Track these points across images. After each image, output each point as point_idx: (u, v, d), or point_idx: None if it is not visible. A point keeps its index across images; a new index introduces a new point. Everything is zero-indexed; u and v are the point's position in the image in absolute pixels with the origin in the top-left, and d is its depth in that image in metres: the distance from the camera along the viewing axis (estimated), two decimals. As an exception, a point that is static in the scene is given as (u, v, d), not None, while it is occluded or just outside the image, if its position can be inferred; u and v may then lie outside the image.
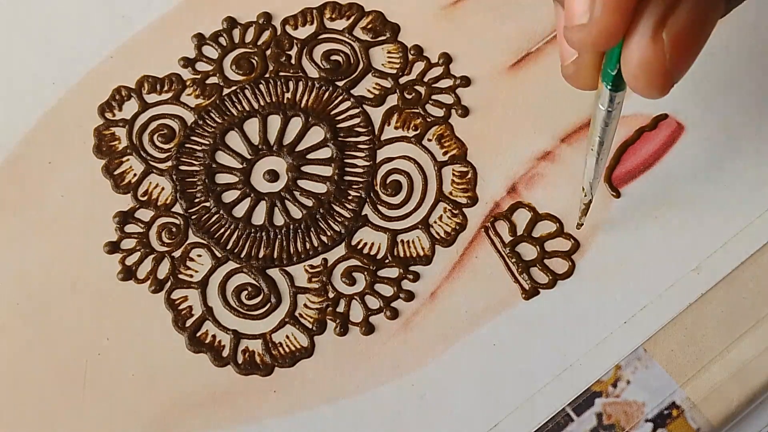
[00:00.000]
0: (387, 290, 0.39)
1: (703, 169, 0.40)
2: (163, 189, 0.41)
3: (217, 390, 0.38)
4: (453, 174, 0.41)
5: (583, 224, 0.39)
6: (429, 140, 0.41)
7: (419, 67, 0.42)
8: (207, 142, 0.41)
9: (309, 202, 0.41)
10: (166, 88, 0.42)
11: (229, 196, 0.41)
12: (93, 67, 0.43)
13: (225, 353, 0.38)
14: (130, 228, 0.40)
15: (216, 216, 0.40)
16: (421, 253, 0.40)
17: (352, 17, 0.43)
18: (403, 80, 0.42)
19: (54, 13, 0.44)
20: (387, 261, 0.40)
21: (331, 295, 0.39)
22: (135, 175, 0.41)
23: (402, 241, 0.40)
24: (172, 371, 0.38)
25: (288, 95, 0.42)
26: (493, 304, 0.39)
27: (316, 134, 0.42)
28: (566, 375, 0.37)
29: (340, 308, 0.39)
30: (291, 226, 0.40)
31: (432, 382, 0.38)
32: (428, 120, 0.42)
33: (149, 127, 0.42)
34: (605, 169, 0.40)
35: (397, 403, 0.37)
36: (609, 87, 0.32)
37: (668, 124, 0.41)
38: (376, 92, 0.42)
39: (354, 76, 0.42)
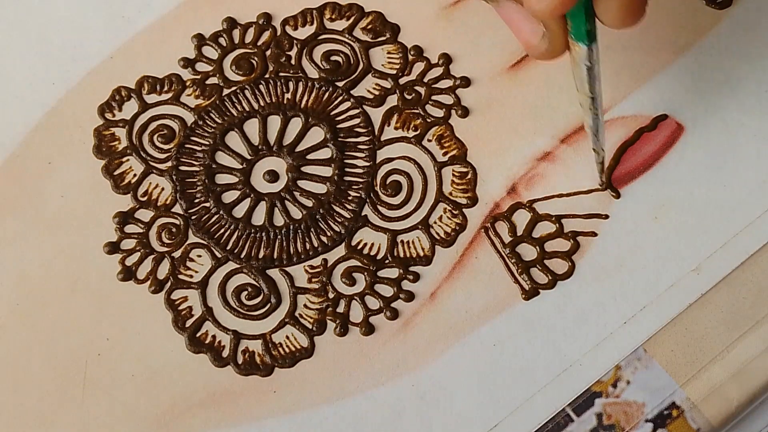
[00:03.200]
0: (387, 290, 0.39)
1: (703, 169, 0.40)
2: (163, 189, 0.41)
3: (217, 390, 0.38)
4: (453, 174, 0.41)
5: (605, 182, 0.40)
6: (429, 141, 0.41)
7: (419, 67, 0.42)
8: (207, 143, 0.41)
9: (309, 203, 0.41)
10: (166, 88, 0.42)
11: (229, 197, 0.41)
12: (93, 67, 0.43)
13: (225, 353, 0.38)
14: (130, 228, 0.40)
15: (216, 216, 0.40)
16: (421, 254, 0.40)
17: (352, 18, 0.43)
18: (403, 81, 0.42)
19: (54, 13, 0.44)
20: (387, 261, 0.39)
21: (331, 295, 0.39)
22: (135, 175, 0.41)
23: (402, 241, 0.40)
24: (172, 371, 0.38)
25: (288, 95, 0.42)
26: (493, 304, 0.39)
27: (316, 134, 0.42)
28: (566, 375, 0.37)
29: (340, 308, 0.39)
30: (291, 227, 0.40)
31: (432, 382, 0.38)
32: (428, 120, 0.42)
33: (149, 127, 0.42)
34: (606, 170, 0.40)
35: (397, 403, 0.37)
36: (586, 43, 0.34)
37: (668, 125, 0.41)
38: (376, 93, 0.42)
39: (354, 76, 0.42)
